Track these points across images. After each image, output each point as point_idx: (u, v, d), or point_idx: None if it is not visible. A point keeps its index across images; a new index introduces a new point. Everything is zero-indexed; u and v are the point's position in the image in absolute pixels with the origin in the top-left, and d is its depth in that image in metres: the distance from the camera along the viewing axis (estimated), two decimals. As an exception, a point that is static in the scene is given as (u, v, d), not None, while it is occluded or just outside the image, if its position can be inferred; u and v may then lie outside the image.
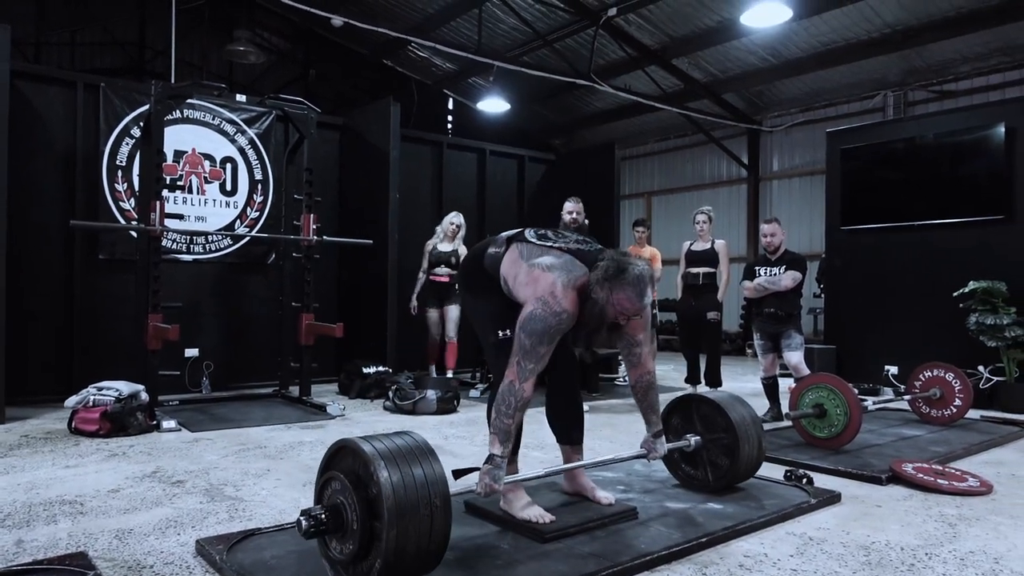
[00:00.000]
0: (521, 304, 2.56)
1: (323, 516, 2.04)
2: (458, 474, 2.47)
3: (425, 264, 6.39)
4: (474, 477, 2.48)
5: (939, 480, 3.35)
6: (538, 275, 2.53)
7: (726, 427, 3.07)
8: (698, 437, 3.10)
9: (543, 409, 3.07)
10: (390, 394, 5.51)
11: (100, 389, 4.54)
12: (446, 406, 5.39)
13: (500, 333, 2.67)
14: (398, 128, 6.67)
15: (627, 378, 2.93)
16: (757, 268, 5.24)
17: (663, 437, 2.91)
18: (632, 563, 2.33)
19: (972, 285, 5.90)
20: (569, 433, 2.93)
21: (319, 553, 2.17)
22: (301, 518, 2.05)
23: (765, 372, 5.26)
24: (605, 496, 2.87)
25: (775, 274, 5.09)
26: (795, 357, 4.98)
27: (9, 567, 2.24)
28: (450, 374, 6.38)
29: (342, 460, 2.11)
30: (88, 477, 3.40)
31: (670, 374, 7.70)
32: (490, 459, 2.45)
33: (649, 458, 2.90)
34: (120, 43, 12.97)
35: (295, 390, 5.84)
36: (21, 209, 5.41)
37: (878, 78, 9.81)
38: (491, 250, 2.78)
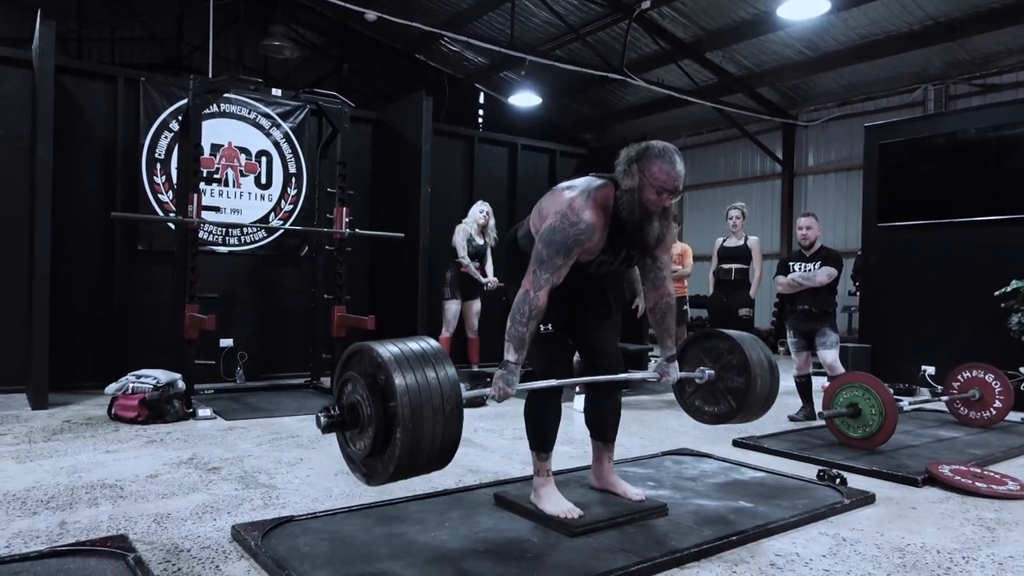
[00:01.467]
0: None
1: (340, 412, 2.14)
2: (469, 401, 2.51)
3: (465, 252, 6.30)
4: (488, 390, 2.51)
5: (977, 483, 3.28)
6: (558, 195, 2.58)
7: (741, 364, 3.00)
8: (712, 371, 3.06)
9: (572, 404, 3.07)
10: (420, 386, 5.54)
11: (139, 377, 4.65)
12: (475, 400, 5.41)
13: (542, 327, 2.65)
14: (430, 122, 6.70)
15: (643, 301, 2.89)
16: (791, 264, 5.16)
17: (676, 363, 2.89)
18: (661, 559, 2.33)
19: (1015, 284, 5.74)
20: (605, 431, 2.92)
21: (342, 456, 2.25)
22: (320, 414, 2.15)
23: (798, 370, 5.18)
24: (635, 492, 2.86)
25: (810, 270, 5.02)
26: (830, 355, 4.90)
27: (53, 547, 2.32)
28: (475, 368, 6.39)
29: (359, 362, 2.17)
30: (127, 462, 3.49)
31: (700, 371, 7.63)
32: (504, 365, 2.48)
33: (661, 382, 2.87)
34: (159, 39, 13.22)
35: (326, 381, 5.91)
36: (64, 201, 5.54)
37: (919, 71, 9.59)
38: (521, 231, 2.83)
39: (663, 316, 2.82)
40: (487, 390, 2.51)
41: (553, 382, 2.62)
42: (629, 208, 2.48)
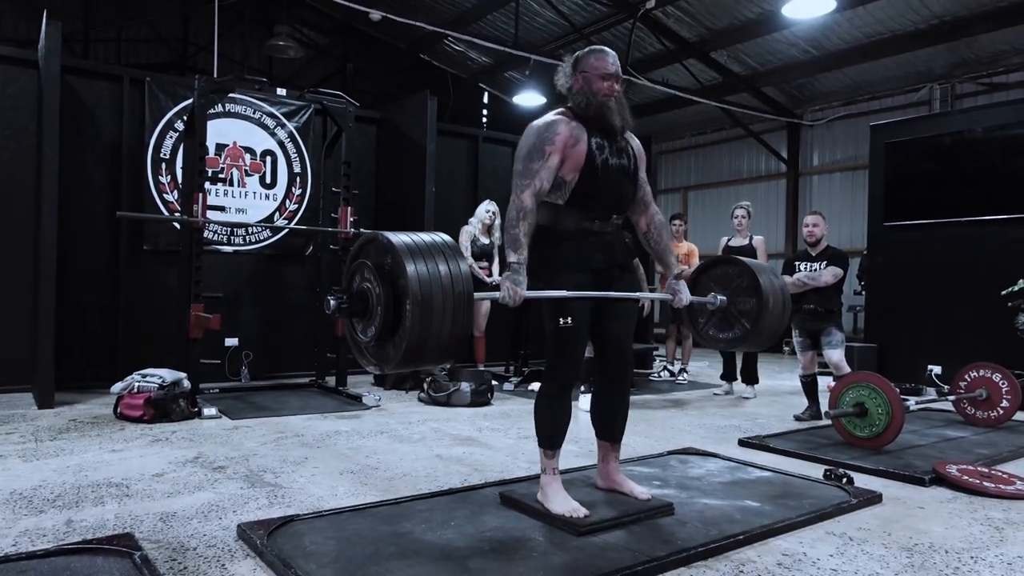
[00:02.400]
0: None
1: (350, 299, 2.16)
2: (476, 393, 2.51)
3: (468, 253, 6.29)
4: (498, 293, 2.53)
5: (985, 483, 3.26)
6: (527, 129, 2.71)
7: (752, 287, 3.01)
8: (724, 297, 3.05)
9: (576, 403, 3.07)
10: (425, 385, 5.55)
11: (144, 376, 4.65)
12: (480, 398, 5.42)
13: (561, 320, 2.63)
14: (434, 122, 6.70)
15: (639, 226, 2.92)
16: (797, 263, 5.15)
17: (684, 282, 2.95)
18: (668, 559, 2.32)
19: (1021, 283, 5.72)
20: (612, 430, 2.90)
21: (350, 344, 2.26)
22: (329, 298, 2.17)
23: (804, 370, 5.17)
24: (641, 491, 2.85)
25: (815, 269, 5.00)
26: (836, 355, 4.89)
27: (60, 545, 2.32)
28: (481, 367, 6.40)
29: (371, 250, 2.17)
30: (133, 461, 3.50)
31: (705, 371, 7.62)
32: (509, 266, 2.56)
33: (674, 303, 2.92)
34: (164, 39, 13.25)
35: (331, 380, 5.91)
36: (69, 200, 5.55)
37: (924, 70, 9.56)
38: None
39: (659, 234, 2.91)
40: (498, 293, 2.53)
41: (564, 293, 2.60)
42: (585, 102, 2.68)
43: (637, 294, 2.87)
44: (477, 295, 2.21)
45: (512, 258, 2.55)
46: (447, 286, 1.99)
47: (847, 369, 4.85)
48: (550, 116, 2.70)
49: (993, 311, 5.99)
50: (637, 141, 2.87)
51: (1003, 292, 5.82)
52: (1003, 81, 9.06)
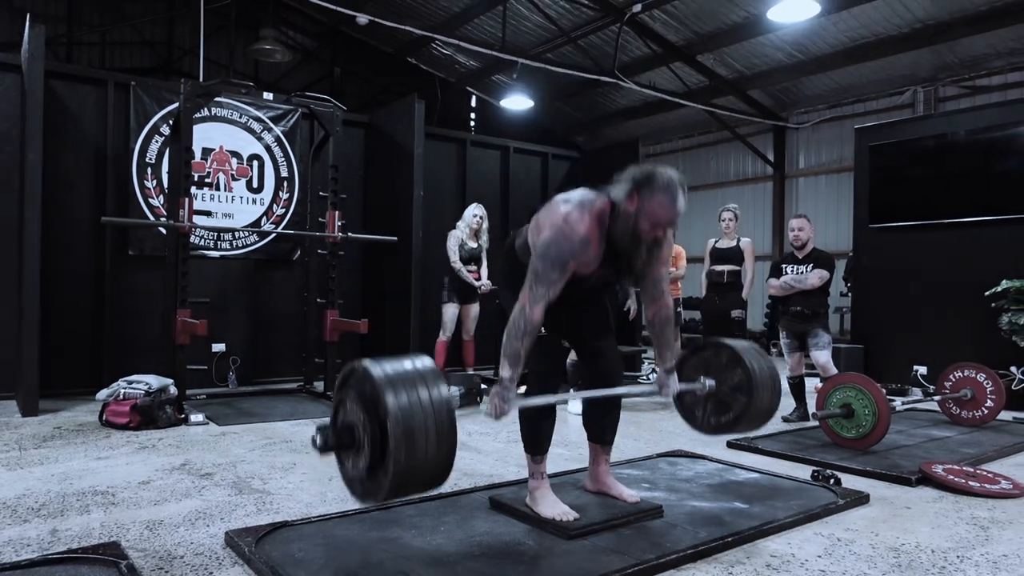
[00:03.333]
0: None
1: (337, 433, 2.14)
2: (465, 396, 2.50)
3: (456, 257, 6.27)
4: (484, 406, 2.48)
5: (970, 482, 3.29)
6: (555, 208, 2.52)
7: (735, 361, 2.97)
8: (712, 381, 3.03)
9: (566, 407, 3.08)
10: (414, 390, 5.53)
11: (130, 383, 4.61)
12: (469, 402, 5.41)
13: (541, 330, 2.64)
14: (422, 126, 6.70)
15: (644, 313, 2.86)
16: (784, 266, 5.18)
17: (675, 375, 2.86)
18: (658, 561, 2.32)
19: (1005, 284, 5.79)
20: (604, 434, 2.91)
21: (341, 476, 2.24)
22: (316, 435, 2.13)
23: (791, 371, 5.19)
24: (631, 494, 2.86)
25: (802, 272, 5.04)
26: (823, 356, 4.92)
27: (45, 555, 2.30)
28: (470, 371, 6.38)
29: (354, 382, 2.17)
30: (119, 469, 3.46)
31: (694, 373, 7.64)
32: (500, 382, 2.45)
33: (662, 394, 2.85)
34: (149, 43, 13.18)
35: (320, 385, 5.89)
36: (53, 206, 5.51)
37: (908, 74, 9.65)
38: (519, 240, 2.80)
39: (662, 328, 2.81)
40: (482, 407, 2.48)
41: (549, 398, 2.62)
42: (622, 232, 2.46)
43: (628, 389, 2.87)
44: (460, 413, 2.21)
45: (506, 373, 2.43)
46: (429, 420, 2.01)
47: (834, 370, 4.88)
48: (587, 219, 2.43)
49: (977, 312, 6.05)
50: (669, 242, 2.67)
51: (987, 293, 5.88)
52: (985, 84, 9.16)
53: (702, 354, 3.12)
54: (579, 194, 2.56)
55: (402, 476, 1.99)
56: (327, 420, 2.25)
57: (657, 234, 2.46)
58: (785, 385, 5.30)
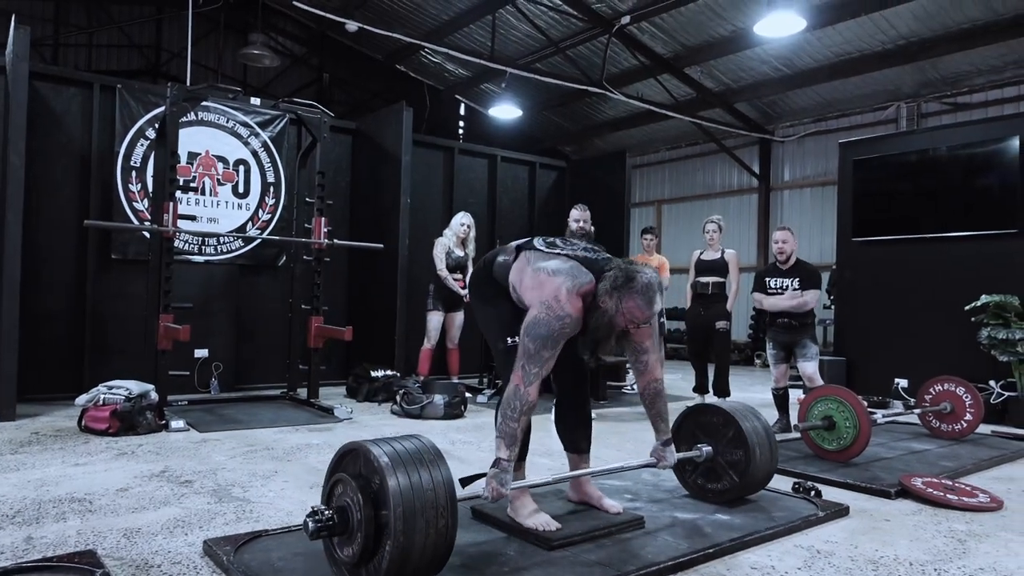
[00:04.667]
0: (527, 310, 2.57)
1: (330, 517, 2.06)
2: (465, 482, 2.48)
3: (443, 265, 6.26)
4: (481, 483, 2.48)
5: (949, 495, 3.32)
6: (543, 279, 2.54)
7: (738, 438, 3.05)
8: (709, 448, 3.07)
9: (550, 416, 3.07)
10: (397, 398, 5.52)
11: (110, 388, 4.57)
12: (453, 411, 5.40)
13: (509, 340, 2.68)
14: (410, 133, 6.70)
15: (635, 386, 2.90)
16: (767, 279, 5.21)
17: (672, 445, 2.88)
18: (638, 572, 2.33)
19: (984, 299, 5.86)
20: (577, 443, 2.93)
21: (325, 557, 2.18)
22: (308, 520, 2.06)
23: (776, 382, 5.22)
24: (612, 505, 2.86)
25: (787, 287, 5.04)
26: (810, 367, 4.94)
27: (19, 563, 2.26)
28: (455, 380, 6.37)
29: (351, 462, 2.13)
30: (97, 475, 3.42)
31: (678, 383, 7.67)
32: (496, 463, 2.46)
33: (659, 466, 2.86)
34: (137, 45, 13.11)
35: (303, 392, 5.85)
36: (36, 208, 5.46)
37: (891, 89, 9.78)
38: (500, 259, 2.80)
39: (653, 401, 2.81)
40: (479, 488, 2.46)
41: (543, 479, 2.67)
42: (597, 322, 2.50)
43: (618, 467, 2.91)
44: (461, 497, 2.18)
45: (503, 454, 2.45)
46: (431, 510, 1.96)
47: (820, 382, 4.91)
48: (575, 302, 2.48)
49: (958, 326, 6.13)
50: (653, 321, 2.67)
51: (967, 307, 5.95)
52: (967, 101, 9.31)
53: (697, 418, 3.18)
54: (568, 268, 2.56)
55: (398, 564, 1.93)
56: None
57: (630, 328, 2.54)
58: (769, 396, 5.35)
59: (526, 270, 2.65)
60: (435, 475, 2.02)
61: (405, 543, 1.92)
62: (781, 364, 5.18)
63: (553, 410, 3.07)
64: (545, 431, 3.25)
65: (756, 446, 3.00)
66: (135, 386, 4.60)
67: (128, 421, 4.38)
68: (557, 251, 2.66)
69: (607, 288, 2.48)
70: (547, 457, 3.97)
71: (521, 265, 2.69)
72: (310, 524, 2.04)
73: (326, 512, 2.07)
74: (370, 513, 1.98)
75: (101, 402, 4.46)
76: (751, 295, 5.43)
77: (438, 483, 2.01)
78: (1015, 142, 6.08)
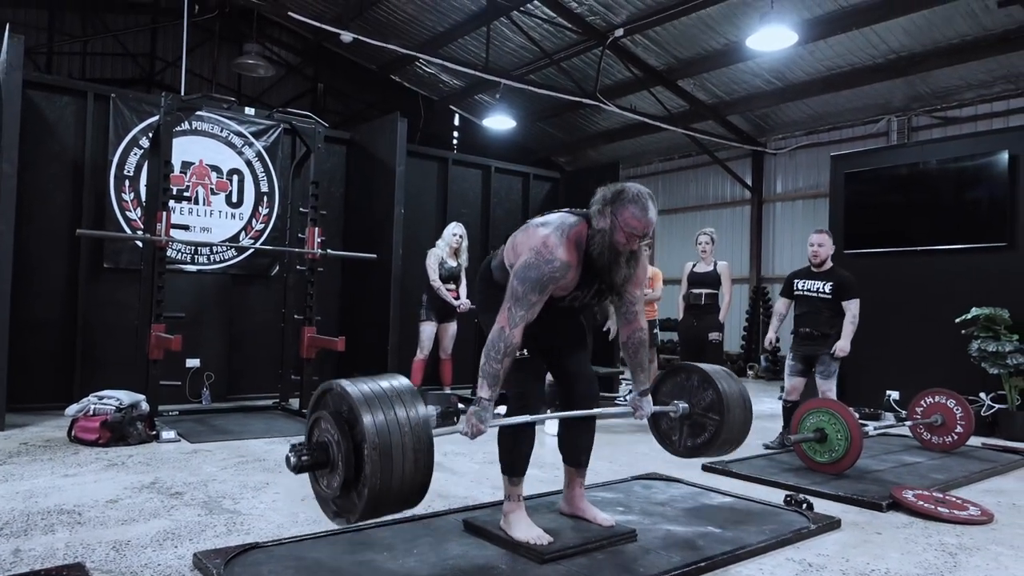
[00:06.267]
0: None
1: (312, 451, 2.14)
2: (443, 415, 2.53)
3: (436, 276, 6.25)
4: (461, 422, 2.50)
5: (939, 508, 3.33)
6: (532, 232, 2.58)
7: (704, 381, 3.05)
8: (685, 404, 3.08)
9: (542, 427, 3.08)
10: (390, 409, 5.50)
11: (101, 398, 4.54)
12: (446, 422, 5.38)
13: (517, 353, 2.65)
14: (404, 144, 6.72)
15: (618, 335, 2.91)
16: (796, 280, 5.07)
17: (649, 396, 2.91)
18: (630, 586, 2.32)
19: (974, 311, 5.90)
20: (578, 456, 2.92)
21: (313, 488, 2.25)
22: (290, 455, 2.13)
23: (787, 395, 5.04)
24: (605, 518, 2.86)
25: (818, 289, 4.91)
26: (826, 385, 4.81)
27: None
28: (448, 390, 6.35)
29: (330, 401, 2.17)
30: (87, 487, 3.40)
31: (671, 394, 7.68)
32: (478, 402, 2.48)
33: (636, 416, 2.88)
34: (131, 54, 13.09)
35: (295, 403, 5.83)
36: (28, 216, 5.44)
37: (882, 103, 9.86)
38: (495, 261, 2.82)
39: (636, 351, 2.83)
40: (459, 426, 2.50)
41: (527, 418, 2.63)
42: (599, 248, 2.51)
43: (601, 411, 2.91)
44: (437, 432, 2.22)
45: (484, 393, 2.47)
46: (407, 439, 2.02)
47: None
48: (564, 244, 2.48)
49: (948, 338, 6.16)
50: (644, 264, 2.73)
51: (957, 320, 5.99)
52: (956, 115, 9.39)
53: (675, 378, 3.17)
54: (556, 217, 2.60)
55: (377, 496, 1.98)
56: (302, 438, 2.24)
57: (633, 246, 2.52)
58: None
59: (518, 236, 2.67)
60: (411, 413, 2.08)
61: (383, 478, 1.98)
62: (796, 377, 4.99)
63: (555, 424, 3.07)
64: (538, 443, 3.23)
65: (731, 407, 2.99)
66: (126, 396, 4.57)
67: (118, 432, 4.35)
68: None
69: (599, 208, 2.51)
70: (539, 469, 3.96)
71: (512, 239, 2.72)
72: (291, 459, 2.12)
73: (306, 447, 2.15)
74: (349, 449, 2.04)
75: (91, 412, 4.44)
76: (778, 297, 5.29)
77: (414, 420, 2.07)
78: (1004, 156, 6.14)
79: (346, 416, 2.09)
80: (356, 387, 2.09)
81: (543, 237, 2.51)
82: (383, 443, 1.98)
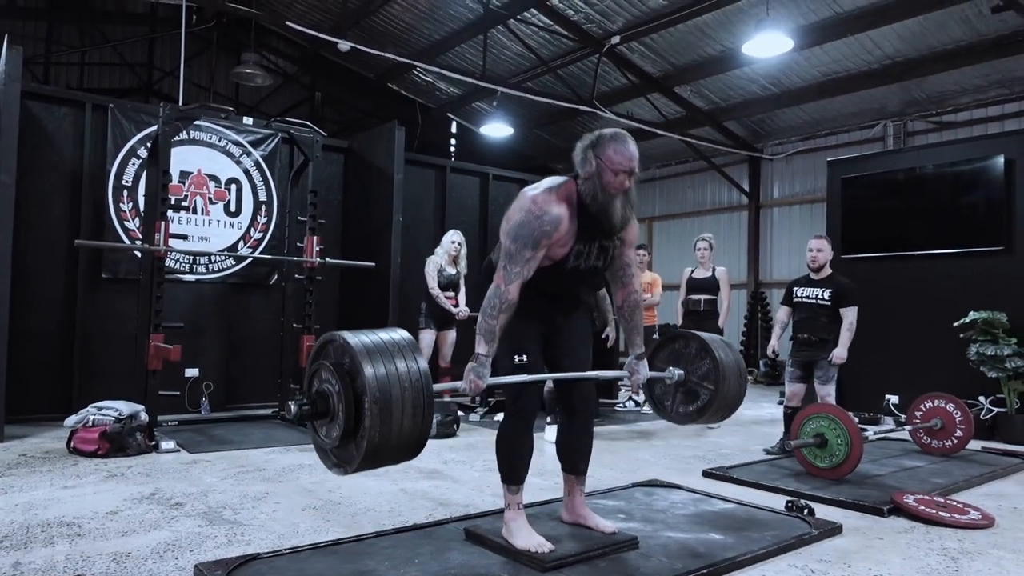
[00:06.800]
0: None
1: (312, 401, 2.17)
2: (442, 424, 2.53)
3: (435, 283, 6.26)
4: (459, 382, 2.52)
5: (941, 512, 3.33)
6: (522, 196, 2.63)
7: (702, 349, 3.08)
8: (681, 371, 3.10)
9: (541, 435, 3.07)
10: (390, 417, 5.49)
11: (100, 409, 4.53)
12: (445, 430, 5.37)
13: (516, 358, 2.66)
14: (402, 152, 6.73)
15: (614, 301, 2.93)
16: (796, 288, 5.06)
17: (645, 361, 2.93)
18: (632, 594, 2.32)
19: (972, 315, 5.91)
20: (577, 464, 2.91)
21: (312, 438, 2.29)
22: (290, 403, 2.17)
23: (788, 401, 5.02)
24: (606, 525, 2.85)
25: (817, 296, 4.90)
26: (824, 390, 4.80)
27: (6, 590, 2.23)
28: (447, 398, 6.34)
29: (331, 352, 2.18)
30: (86, 498, 3.39)
31: (670, 400, 7.68)
32: (475, 358, 2.51)
33: (632, 380, 2.90)
34: (129, 64, 13.13)
35: (295, 412, 5.81)
36: (27, 227, 5.44)
37: (878, 108, 9.91)
38: (496, 255, 2.81)
39: (632, 313, 2.88)
40: (459, 383, 2.53)
41: (526, 377, 2.62)
42: (591, 193, 2.56)
43: (598, 373, 2.91)
44: (437, 387, 2.24)
45: (482, 349, 2.50)
46: (407, 390, 2.04)
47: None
48: (554, 199, 2.54)
49: (947, 342, 6.17)
50: (632, 222, 2.75)
51: (955, 324, 6.00)
52: (952, 120, 9.43)
53: (672, 345, 3.21)
54: (545, 181, 2.68)
55: (375, 448, 2.00)
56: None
57: (623, 182, 2.56)
58: (760, 412, 5.35)
59: (511, 206, 2.68)
60: (411, 366, 2.10)
61: (383, 429, 1.99)
62: (796, 383, 4.96)
63: (554, 431, 3.06)
64: (538, 450, 3.24)
65: (726, 374, 3.02)
66: (125, 407, 4.56)
67: (118, 442, 4.34)
68: None
69: (581, 157, 2.59)
70: (539, 477, 3.95)
71: (505, 217, 2.71)
72: (292, 407, 2.15)
73: (308, 398, 2.18)
74: (349, 400, 2.06)
75: (90, 423, 4.43)
76: (779, 306, 5.26)
77: (413, 373, 2.08)
78: (1000, 160, 6.16)
79: (347, 368, 2.10)
80: (358, 339, 2.11)
81: (532, 197, 2.58)
82: (383, 396, 2.00)
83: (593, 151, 2.57)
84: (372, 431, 1.98)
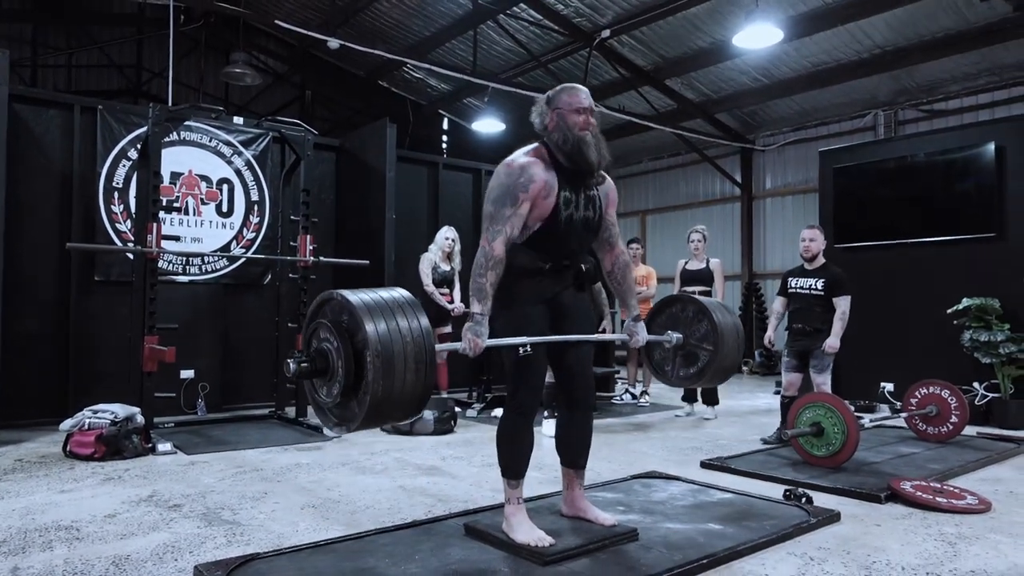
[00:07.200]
0: None
1: (311, 358, 2.16)
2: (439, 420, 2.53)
3: (429, 280, 6.25)
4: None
5: (938, 498, 3.35)
6: (496, 170, 2.73)
7: (699, 312, 3.13)
8: (679, 335, 3.12)
9: (540, 429, 3.07)
10: (387, 415, 5.49)
11: (95, 412, 4.50)
12: (443, 426, 5.38)
13: (520, 350, 2.64)
14: (394, 149, 6.71)
15: (603, 264, 2.96)
16: (790, 279, 5.08)
17: (642, 322, 2.98)
18: (633, 585, 2.32)
19: (965, 302, 5.94)
20: (576, 458, 2.91)
21: (310, 397, 2.30)
22: (289, 361, 2.16)
23: (785, 390, 5.05)
24: (606, 517, 2.85)
25: (811, 286, 4.92)
26: (820, 378, 4.82)
27: (5, 595, 2.23)
28: (444, 394, 6.35)
29: (328, 310, 2.16)
30: (84, 502, 3.37)
31: (667, 393, 7.69)
32: (471, 317, 2.55)
33: (631, 343, 2.95)
34: (117, 65, 13.05)
35: (291, 411, 5.81)
36: (17, 231, 5.40)
37: (869, 97, 9.93)
38: None
39: (623, 276, 2.92)
40: (459, 344, 2.53)
41: (523, 339, 2.62)
42: (562, 138, 2.65)
43: (597, 336, 2.91)
44: (438, 347, 2.24)
45: (476, 308, 2.53)
46: (408, 340, 2.02)
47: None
48: (525, 157, 2.67)
49: (941, 329, 6.20)
50: (610, 182, 2.86)
51: (948, 311, 6.03)
52: (942, 108, 9.46)
53: (670, 309, 3.24)
54: (517, 152, 2.76)
55: (379, 403, 1.99)
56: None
57: (588, 120, 2.67)
58: (757, 403, 5.37)
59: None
60: (412, 324, 2.09)
61: (384, 386, 1.98)
62: (792, 373, 4.99)
63: (552, 425, 3.07)
64: (536, 444, 3.24)
65: (724, 337, 3.07)
66: (120, 409, 4.54)
67: (114, 445, 4.32)
68: None
69: (540, 115, 2.72)
70: (538, 471, 3.96)
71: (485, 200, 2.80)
72: (291, 365, 2.14)
73: (305, 356, 2.18)
74: (349, 352, 2.05)
75: (86, 427, 4.40)
76: (775, 296, 5.25)
77: (415, 331, 2.08)
78: (991, 147, 6.19)
79: (346, 325, 2.09)
80: (357, 296, 2.09)
81: (504, 163, 2.69)
82: (386, 350, 1.99)
83: (548, 105, 2.71)
84: (375, 384, 1.96)
